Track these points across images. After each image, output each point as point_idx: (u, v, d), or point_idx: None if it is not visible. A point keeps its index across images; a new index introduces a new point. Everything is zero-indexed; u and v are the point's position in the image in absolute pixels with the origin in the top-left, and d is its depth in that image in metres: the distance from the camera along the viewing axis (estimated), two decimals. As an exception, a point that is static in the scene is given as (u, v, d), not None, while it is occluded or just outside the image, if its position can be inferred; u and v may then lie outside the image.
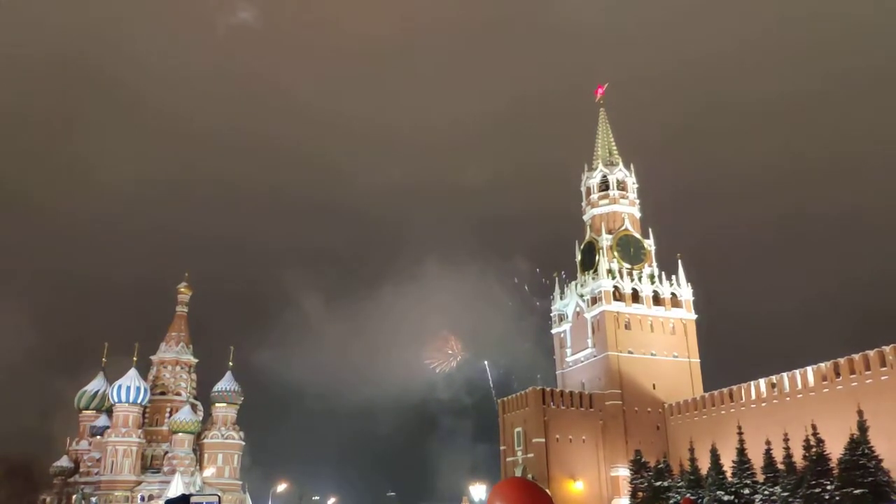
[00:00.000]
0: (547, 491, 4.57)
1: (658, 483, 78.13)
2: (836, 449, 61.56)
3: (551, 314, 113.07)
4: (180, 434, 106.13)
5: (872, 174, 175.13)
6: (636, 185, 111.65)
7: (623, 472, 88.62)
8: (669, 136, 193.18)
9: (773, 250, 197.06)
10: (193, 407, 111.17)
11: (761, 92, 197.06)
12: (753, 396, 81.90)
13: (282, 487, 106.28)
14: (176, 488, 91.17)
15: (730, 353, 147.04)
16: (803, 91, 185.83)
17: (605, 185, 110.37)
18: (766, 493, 66.12)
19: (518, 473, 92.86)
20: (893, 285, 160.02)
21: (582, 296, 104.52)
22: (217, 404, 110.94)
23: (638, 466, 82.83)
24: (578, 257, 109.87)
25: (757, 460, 69.03)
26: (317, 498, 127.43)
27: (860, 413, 61.86)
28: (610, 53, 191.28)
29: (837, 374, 72.33)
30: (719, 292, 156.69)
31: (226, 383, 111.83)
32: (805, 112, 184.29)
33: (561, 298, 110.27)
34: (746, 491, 67.97)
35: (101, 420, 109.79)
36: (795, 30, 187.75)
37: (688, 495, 72.68)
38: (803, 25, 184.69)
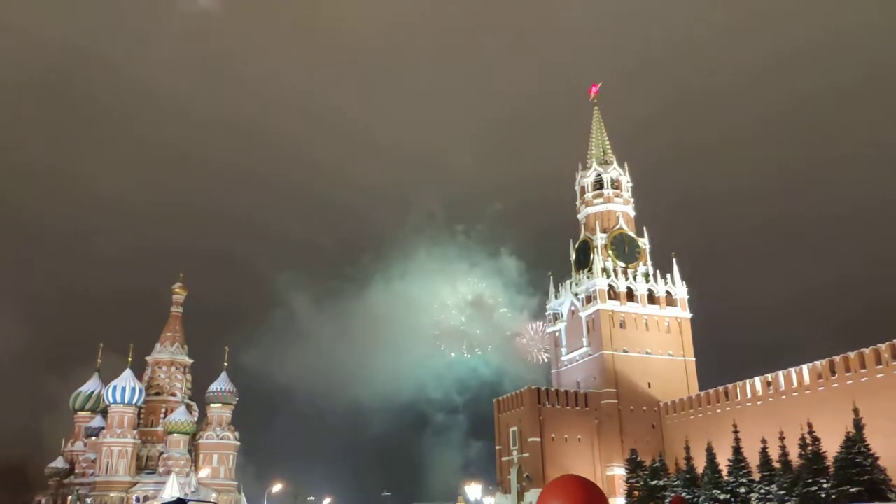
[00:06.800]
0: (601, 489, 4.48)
1: (654, 482, 78.22)
2: (831, 447, 61.69)
3: (546, 313, 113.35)
4: (175, 435, 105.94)
5: (867, 172, 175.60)
6: (630, 184, 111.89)
7: (619, 471, 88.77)
8: (663, 133, 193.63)
9: (768, 248, 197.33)
10: (188, 407, 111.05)
11: (757, 86, 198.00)
12: (749, 395, 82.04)
13: (277, 488, 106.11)
14: (171, 489, 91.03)
15: (725, 351, 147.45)
16: (799, 90, 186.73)
17: (599, 184, 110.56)
18: (762, 491, 66.20)
19: (514, 473, 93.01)
20: (888, 281, 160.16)
21: (577, 295, 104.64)
22: (212, 405, 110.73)
23: (634, 465, 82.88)
24: (573, 256, 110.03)
25: (753, 459, 69.09)
26: (312, 498, 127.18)
27: (856, 411, 62.00)
28: (604, 51, 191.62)
29: (833, 373, 72.47)
30: (714, 291, 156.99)
31: (221, 384, 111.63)
32: (800, 111, 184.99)
33: (556, 297, 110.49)
34: (742, 490, 68.06)
35: (97, 421, 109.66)
36: (790, 34, 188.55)
37: (681, 494, 72.87)
38: (799, 29, 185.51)
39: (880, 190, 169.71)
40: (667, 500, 75.30)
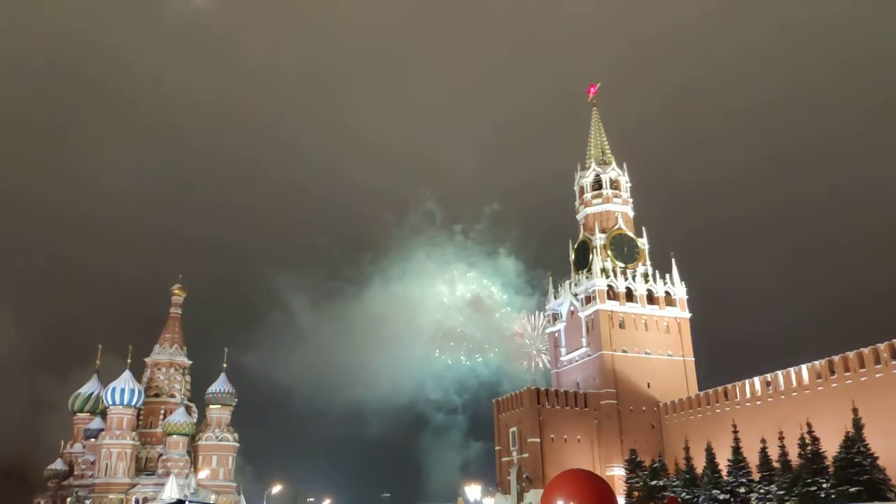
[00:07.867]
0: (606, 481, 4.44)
1: (653, 482, 78.15)
2: (831, 447, 61.63)
3: (545, 313, 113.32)
4: (174, 436, 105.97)
5: (866, 165, 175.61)
6: (629, 184, 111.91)
7: (618, 471, 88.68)
8: (662, 133, 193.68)
9: (768, 247, 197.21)
10: (188, 409, 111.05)
11: (755, 86, 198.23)
12: (748, 395, 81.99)
13: (276, 489, 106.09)
14: (170, 491, 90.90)
15: (724, 351, 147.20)
16: (797, 86, 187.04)
17: (598, 185, 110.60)
18: (761, 491, 66.13)
19: (514, 473, 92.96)
20: (887, 281, 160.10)
21: (576, 295, 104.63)
22: (211, 406, 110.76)
23: (633, 466, 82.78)
24: (572, 256, 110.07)
25: (752, 459, 69.06)
26: (311, 499, 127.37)
27: (855, 411, 62.01)
28: (603, 52, 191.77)
29: (832, 372, 72.41)
30: (713, 290, 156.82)
31: (220, 385, 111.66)
32: (796, 105, 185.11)
33: (555, 298, 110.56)
34: (742, 489, 67.99)
35: (96, 422, 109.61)
36: (787, 33, 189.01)
37: (681, 494, 72.86)
38: (794, 26, 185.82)
39: (879, 182, 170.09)
40: (664, 501, 75.32)
